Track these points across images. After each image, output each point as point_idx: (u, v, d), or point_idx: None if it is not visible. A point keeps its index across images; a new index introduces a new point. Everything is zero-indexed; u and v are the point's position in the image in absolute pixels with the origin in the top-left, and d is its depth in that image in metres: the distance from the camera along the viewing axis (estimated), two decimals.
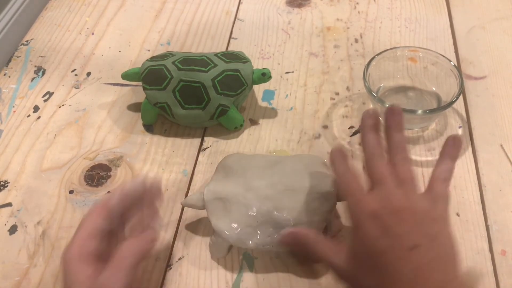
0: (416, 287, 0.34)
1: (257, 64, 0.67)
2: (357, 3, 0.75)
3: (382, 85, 0.60)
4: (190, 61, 0.57)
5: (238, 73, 0.56)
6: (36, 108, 0.63)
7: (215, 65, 0.56)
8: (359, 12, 0.74)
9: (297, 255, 0.47)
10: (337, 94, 0.63)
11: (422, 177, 0.53)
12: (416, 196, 0.38)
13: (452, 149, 0.41)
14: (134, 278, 0.39)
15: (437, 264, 0.34)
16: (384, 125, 0.43)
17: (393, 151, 0.42)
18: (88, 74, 0.68)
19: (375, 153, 0.41)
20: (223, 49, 0.70)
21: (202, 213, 0.52)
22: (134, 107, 0.63)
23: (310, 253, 0.41)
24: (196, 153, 0.58)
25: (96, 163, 0.57)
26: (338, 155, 0.43)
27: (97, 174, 0.56)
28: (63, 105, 0.64)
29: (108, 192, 0.54)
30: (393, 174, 0.40)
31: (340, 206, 0.51)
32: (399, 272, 0.34)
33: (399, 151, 0.41)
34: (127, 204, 0.43)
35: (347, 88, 0.63)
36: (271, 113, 0.61)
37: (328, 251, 0.40)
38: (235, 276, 0.47)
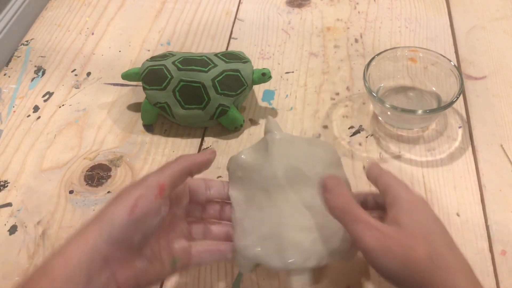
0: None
1: (257, 64, 0.67)
2: (357, 3, 0.75)
3: (382, 85, 0.60)
4: (190, 61, 0.57)
5: (238, 73, 0.56)
6: (36, 108, 0.63)
7: (215, 65, 0.56)
8: (359, 12, 0.74)
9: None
10: (337, 94, 0.63)
11: (422, 177, 0.54)
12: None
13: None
14: (180, 183, 0.39)
15: None
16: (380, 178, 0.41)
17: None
18: (88, 74, 0.68)
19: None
20: (223, 49, 0.70)
21: None
22: (134, 107, 0.63)
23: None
24: (196, 153, 0.58)
25: (96, 163, 0.57)
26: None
27: (97, 174, 0.56)
28: (63, 105, 0.64)
29: (108, 192, 0.54)
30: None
31: None
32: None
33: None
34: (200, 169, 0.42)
35: (347, 88, 0.63)
36: (271, 113, 0.61)
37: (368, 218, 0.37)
38: (235, 276, 0.47)
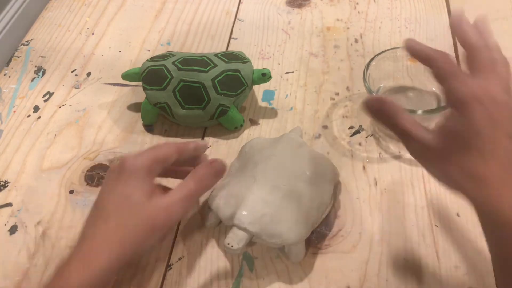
0: (510, 169, 0.35)
1: (257, 64, 0.67)
2: (357, 3, 0.75)
3: (382, 85, 0.60)
4: (190, 61, 0.57)
5: (238, 73, 0.56)
6: (36, 108, 0.63)
7: (215, 65, 0.56)
8: (359, 12, 0.74)
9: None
10: (337, 94, 0.63)
11: (422, 177, 0.54)
12: (510, 91, 0.39)
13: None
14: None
15: None
16: (474, 32, 0.43)
17: (492, 51, 0.42)
18: (88, 74, 0.68)
19: (482, 43, 0.41)
20: (223, 49, 0.70)
21: (202, 213, 0.52)
22: (134, 107, 0.63)
23: (392, 124, 0.39)
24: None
25: (96, 163, 0.57)
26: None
27: (97, 174, 0.56)
28: (63, 105, 0.64)
29: None
30: (494, 65, 0.40)
31: (341, 206, 0.51)
32: (494, 153, 0.36)
33: (497, 51, 0.42)
34: (189, 156, 0.46)
35: (347, 88, 0.63)
36: (271, 113, 0.61)
37: (413, 125, 0.39)
38: (235, 276, 0.47)
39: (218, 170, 0.45)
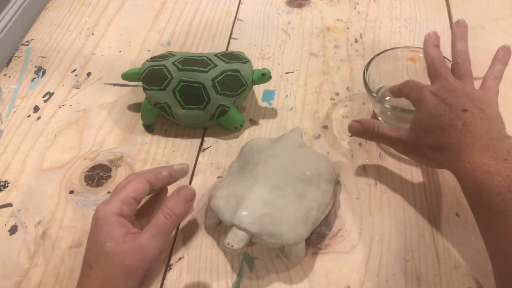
0: (466, 135, 0.42)
1: (257, 64, 0.67)
2: (357, 3, 0.75)
3: (382, 85, 0.60)
4: (190, 62, 0.57)
5: (238, 73, 0.56)
6: (36, 108, 0.63)
7: (215, 65, 0.56)
8: (359, 12, 0.74)
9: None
10: (337, 94, 0.63)
11: (423, 177, 0.54)
12: (470, 86, 0.47)
13: (503, 55, 0.50)
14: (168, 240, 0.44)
15: (485, 122, 0.43)
16: (451, 36, 0.52)
17: (455, 54, 0.50)
18: (88, 74, 0.68)
19: (435, 58, 0.50)
20: (223, 49, 0.70)
21: (201, 213, 0.52)
22: (134, 107, 0.63)
23: (375, 137, 0.50)
24: (196, 153, 0.58)
25: (96, 163, 0.57)
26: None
27: (97, 174, 0.56)
28: (63, 105, 0.64)
29: (109, 192, 0.54)
30: (450, 72, 0.48)
31: (341, 206, 0.51)
32: (453, 127, 0.43)
33: (460, 54, 0.50)
34: (165, 183, 0.47)
35: (347, 88, 0.63)
36: (271, 113, 0.61)
37: (391, 131, 0.49)
38: (235, 276, 0.47)
39: (188, 197, 0.44)
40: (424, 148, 0.46)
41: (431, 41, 0.52)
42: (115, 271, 0.39)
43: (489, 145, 0.41)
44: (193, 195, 0.45)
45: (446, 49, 0.67)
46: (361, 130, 0.51)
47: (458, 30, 0.52)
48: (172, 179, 0.48)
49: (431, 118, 0.45)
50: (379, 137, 0.50)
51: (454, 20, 0.71)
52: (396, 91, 0.53)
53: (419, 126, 0.46)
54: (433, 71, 0.49)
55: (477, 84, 0.48)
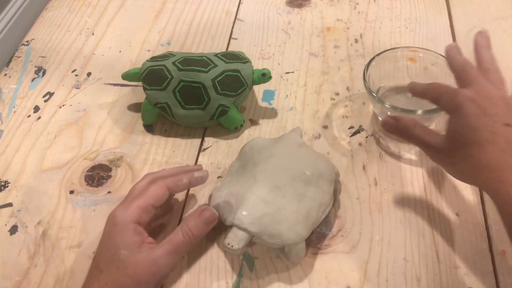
0: (510, 155, 0.38)
1: (257, 64, 0.67)
2: (357, 3, 0.75)
3: (382, 85, 0.60)
4: (190, 62, 0.57)
5: (238, 73, 0.56)
6: (36, 108, 0.63)
7: (215, 65, 0.56)
8: (359, 12, 0.74)
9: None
10: (337, 94, 0.63)
11: (422, 177, 0.54)
12: (505, 90, 0.44)
13: (483, 37, 0.49)
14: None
15: None
16: (474, 46, 0.49)
17: (484, 62, 0.47)
18: (89, 74, 0.68)
19: (467, 63, 0.46)
20: (223, 49, 0.70)
21: None
22: (134, 107, 0.63)
23: (409, 137, 0.47)
24: (196, 153, 0.58)
25: (97, 163, 0.57)
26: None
27: (97, 174, 0.56)
28: (63, 105, 0.64)
29: (109, 192, 0.54)
30: (484, 76, 0.45)
31: (341, 206, 0.51)
32: (493, 141, 0.39)
33: (490, 61, 0.47)
34: (184, 189, 0.48)
35: (347, 88, 0.63)
36: (271, 113, 0.61)
37: (426, 135, 0.46)
38: (235, 276, 0.47)
39: (208, 220, 0.45)
40: (459, 161, 0.42)
41: (456, 49, 0.49)
42: (125, 280, 0.39)
43: None
44: (215, 219, 0.45)
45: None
46: (395, 128, 0.48)
47: (482, 40, 0.49)
48: (191, 185, 0.48)
49: (470, 131, 0.41)
50: (413, 138, 0.47)
51: (455, 20, 0.71)
52: (419, 93, 0.49)
53: (455, 137, 0.42)
54: (467, 77, 0.45)
55: None
